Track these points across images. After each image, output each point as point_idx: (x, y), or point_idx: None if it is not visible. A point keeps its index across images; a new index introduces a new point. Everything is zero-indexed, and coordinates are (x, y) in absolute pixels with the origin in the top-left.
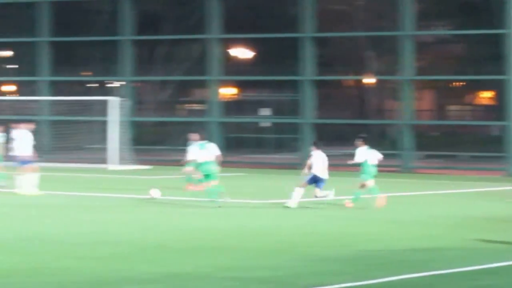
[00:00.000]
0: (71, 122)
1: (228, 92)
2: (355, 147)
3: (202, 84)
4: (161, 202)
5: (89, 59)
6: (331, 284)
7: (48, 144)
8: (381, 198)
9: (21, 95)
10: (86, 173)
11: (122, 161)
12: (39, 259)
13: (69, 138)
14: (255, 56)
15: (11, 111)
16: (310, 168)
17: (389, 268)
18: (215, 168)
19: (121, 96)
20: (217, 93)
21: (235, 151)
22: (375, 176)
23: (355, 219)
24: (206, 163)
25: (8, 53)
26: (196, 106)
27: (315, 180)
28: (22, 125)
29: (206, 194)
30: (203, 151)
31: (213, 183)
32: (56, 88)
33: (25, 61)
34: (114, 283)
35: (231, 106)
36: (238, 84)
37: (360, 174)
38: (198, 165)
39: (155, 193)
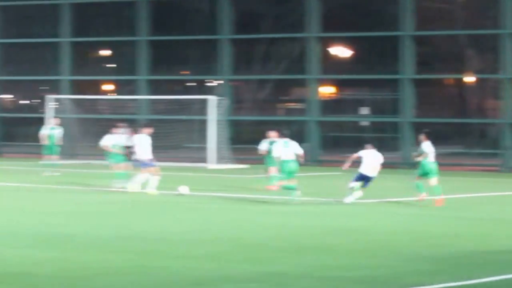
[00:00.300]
0: (169, 121)
1: (327, 91)
2: (419, 142)
3: (300, 83)
4: (257, 201)
5: (188, 58)
6: (430, 284)
7: None
8: (440, 200)
9: (119, 94)
10: (184, 172)
11: (220, 160)
12: (137, 258)
13: (167, 137)
14: (354, 55)
15: (110, 110)
16: (353, 162)
17: (488, 268)
18: (296, 167)
19: (219, 95)
20: (315, 92)
21: (333, 150)
22: (436, 174)
23: (449, 218)
24: (288, 161)
25: (107, 52)
26: (294, 105)
27: (362, 178)
28: (145, 130)
29: (284, 190)
30: (287, 149)
31: (292, 182)
32: (155, 87)
33: (124, 60)
34: (213, 282)
35: (329, 105)
36: (337, 83)
37: (417, 169)
38: (280, 163)
39: (184, 189)
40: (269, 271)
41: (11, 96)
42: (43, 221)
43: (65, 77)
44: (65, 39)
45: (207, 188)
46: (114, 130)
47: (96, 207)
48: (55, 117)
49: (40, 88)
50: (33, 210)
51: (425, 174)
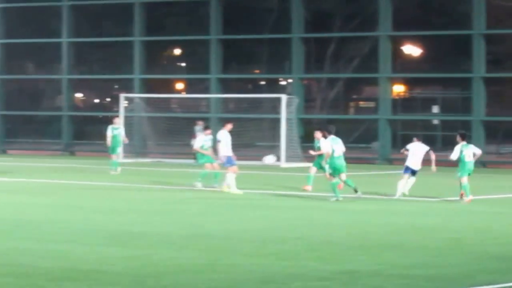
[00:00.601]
0: (241, 120)
1: (397, 89)
2: (456, 143)
3: (371, 82)
4: (327, 200)
5: (259, 56)
6: (501, 282)
7: None
8: (468, 200)
9: (191, 92)
10: (256, 170)
11: (291, 158)
12: (207, 256)
13: (239, 136)
14: (425, 53)
15: (181, 109)
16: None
17: None
18: (344, 163)
19: (290, 94)
20: (386, 91)
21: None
22: (471, 173)
23: None
24: (337, 157)
25: (179, 51)
26: (365, 104)
27: (408, 170)
28: (226, 126)
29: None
30: (336, 146)
31: (342, 176)
32: (226, 86)
33: (196, 59)
34: (283, 280)
35: (400, 103)
36: (408, 82)
37: (457, 171)
38: (329, 160)
39: (269, 159)
40: (339, 269)
41: (83, 95)
42: (113, 219)
43: (137, 75)
44: (137, 38)
45: (278, 186)
46: (205, 132)
47: (166, 205)
48: (119, 116)
49: (112, 87)
50: (103, 208)
51: (468, 173)
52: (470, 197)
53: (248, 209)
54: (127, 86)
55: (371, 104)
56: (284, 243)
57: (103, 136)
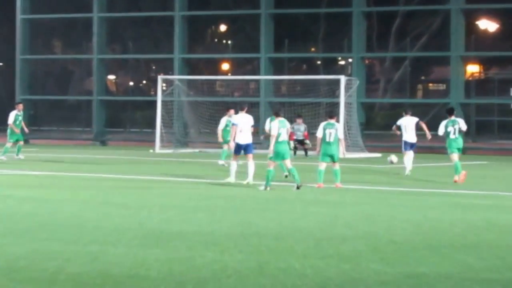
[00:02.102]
0: (294, 104)
1: (471, 70)
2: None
3: (442, 61)
4: (392, 193)
5: (315, 33)
6: None
7: None
8: (461, 176)
9: (238, 74)
10: (312, 161)
11: (350, 148)
12: (256, 258)
13: (293, 122)
14: (501, 29)
15: (227, 92)
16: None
17: None
18: (288, 149)
19: (349, 75)
20: (459, 71)
21: (479, 136)
22: (459, 150)
23: None
24: (281, 142)
25: (225, 28)
26: (434, 86)
27: (406, 145)
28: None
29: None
30: (283, 129)
31: (287, 163)
32: (277, 66)
33: (244, 37)
34: (341, 285)
35: (473, 86)
36: (482, 61)
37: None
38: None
39: (394, 158)
40: (404, 273)
41: (117, 77)
42: (149, 216)
43: (178, 55)
44: (178, 13)
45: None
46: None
47: (209, 201)
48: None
49: (149, 67)
50: (138, 205)
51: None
52: (462, 174)
53: (300, 204)
54: (166, 67)
55: (442, 87)
56: (342, 243)
57: (137, 124)
